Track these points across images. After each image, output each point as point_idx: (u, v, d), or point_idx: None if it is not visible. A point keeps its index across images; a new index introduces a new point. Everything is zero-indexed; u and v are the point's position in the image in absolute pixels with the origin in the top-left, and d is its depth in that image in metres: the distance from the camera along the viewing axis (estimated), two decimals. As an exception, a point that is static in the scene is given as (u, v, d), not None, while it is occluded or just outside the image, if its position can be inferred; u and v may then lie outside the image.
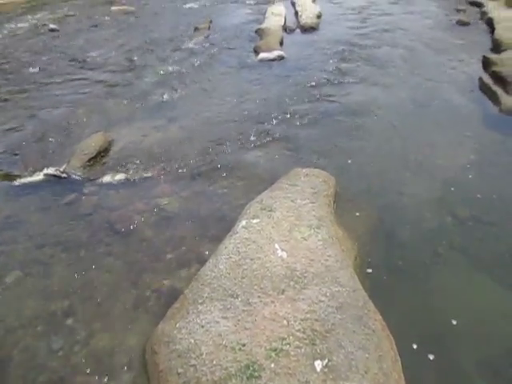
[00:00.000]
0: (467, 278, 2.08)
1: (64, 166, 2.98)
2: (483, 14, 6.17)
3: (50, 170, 2.95)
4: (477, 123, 3.39)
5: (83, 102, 4.08)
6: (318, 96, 3.89)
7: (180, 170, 2.95)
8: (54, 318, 1.98)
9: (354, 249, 2.17)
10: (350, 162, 2.95)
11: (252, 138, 3.25)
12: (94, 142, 3.20)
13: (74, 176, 2.92)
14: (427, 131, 3.31)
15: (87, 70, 4.90)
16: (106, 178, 2.89)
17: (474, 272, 2.11)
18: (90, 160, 3.06)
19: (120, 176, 2.91)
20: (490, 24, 5.56)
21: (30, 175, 2.96)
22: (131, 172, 2.95)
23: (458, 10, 6.61)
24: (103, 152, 3.18)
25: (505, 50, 4.47)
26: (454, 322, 1.84)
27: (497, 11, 5.98)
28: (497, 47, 4.72)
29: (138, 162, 3.05)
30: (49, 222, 2.59)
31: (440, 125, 3.38)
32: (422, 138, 3.21)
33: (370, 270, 2.10)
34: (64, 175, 2.92)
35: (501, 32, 4.99)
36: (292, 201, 2.24)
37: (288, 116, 3.56)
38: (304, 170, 2.56)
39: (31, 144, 3.38)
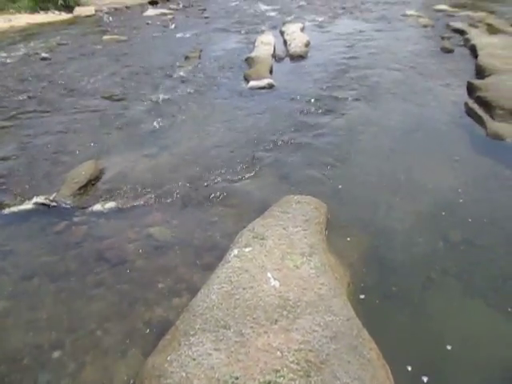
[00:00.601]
0: (461, 303, 2.07)
1: (54, 195, 2.96)
2: (466, 40, 6.35)
3: (40, 199, 2.92)
4: (465, 147, 3.45)
5: (74, 129, 4.08)
6: (307, 123, 3.94)
7: (171, 199, 2.93)
8: (40, 350, 1.92)
9: (346, 276, 2.16)
10: (340, 188, 2.97)
11: (243, 166, 3.27)
12: (84, 171, 3.18)
13: (63, 205, 2.90)
14: (416, 156, 3.35)
15: (78, 98, 4.92)
16: (97, 207, 2.87)
17: (468, 296, 2.11)
18: (80, 188, 3.03)
19: (110, 204, 2.89)
20: (473, 50, 5.73)
21: (19, 204, 2.92)
22: (122, 200, 2.93)
23: (442, 38, 6.80)
24: (94, 180, 3.16)
25: (488, 75, 4.59)
26: (449, 347, 1.83)
27: (479, 38, 6.17)
28: (480, 73, 4.85)
29: (128, 190, 3.04)
30: (37, 251, 2.54)
31: (429, 149, 3.43)
32: (411, 163, 3.25)
33: (363, 297, 2.09)
34: (54, 204, 2.90)
35: (484, 58, 5.13)
36: (284, 228, 2.24)
37: (278, 143, 3.59)
38: (295, 198, 2.56)
39: (21, 172, 3.35)
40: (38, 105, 4.76)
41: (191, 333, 1.68)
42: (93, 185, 3.13)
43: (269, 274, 1.91)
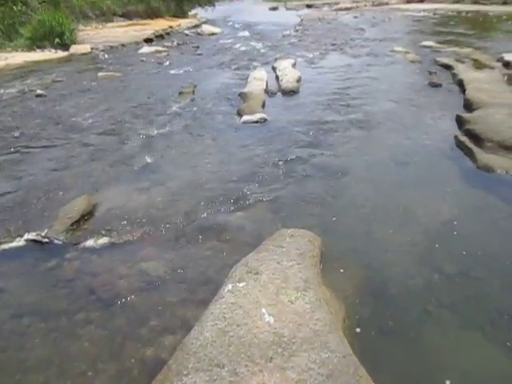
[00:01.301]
0: (459, 337, 2.05)
1: (46, 231, 2.93)
2: (453, 75, 6.54)
3: (31, 235, 2.89)
4: (456, 180, 3.49)
5: (67, 165, 4.09)
6: (300, 156, 3.98)
7: (165, 233, 2.92)
8: (29, 394, 1.87)
9: (342, 310, 2.13)
10: (334, 220, 2.97)
11: (236, 200, 3.27)
12: (77, 206, 3.17)
13: (56, 241, 2.87)
14: (409, 188, 3.38)
15: (72, 134, 4.95)
16: (89, 243, 2.84)
17: (465, 330, 2.08)
18: (73, 224, 3.01)
19: (103, 240, 2.86)
20: (461, 85, 5.89)
21: (11, 241, 2.89)
22: (115, 235, 2.91)
23: (430, 72, 7.00)
24: (87, 215, 3.14)
25: (476, 109, 4.70)
26: (448, 383, 1.80)
27: (466, 73, 6.37)
28: (468, 106, 4.97)
29: (122, 225, 3.02)
30: (28, 289, 2.50)
31: (421, 182, 3.47)
32: (404, 196, 3.27)
33: (359, 332, 2.06)
34: (46, 240, 2.87)
35: (471, 92, 5.28)
36: (278, 263, 2.22)
37: (271, 176, 3.61)
38: (289, 231, 2.56)
39: (13, 209, 3.33)
40: (32, 141, 4.79)
41: (184, 372, 1.64)
42: (86, 220, 3.11)
43: (263, 310, 1.88)
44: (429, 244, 2.69)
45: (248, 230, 2.90)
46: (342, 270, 2.46)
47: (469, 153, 3.84)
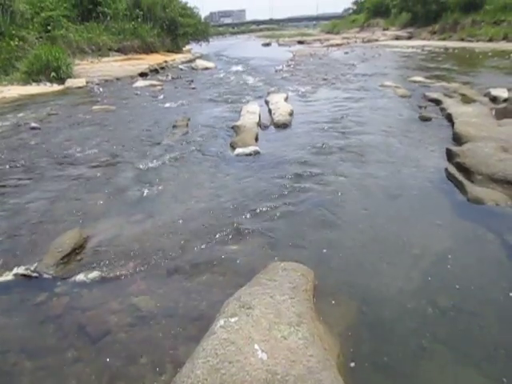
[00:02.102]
0: (455, 373, 2.01)
1: (35, 265, 2.89)
2: (442, 109, 6.70)
3: (21, 270, 2.85)
4: (447, 212, 3.51)
5: (60, 198, 4.08)
6: (292, 189, 4.00)
7: (156, 267, 2.89)
8: None
9: (336, 346, 2.10)
10: (327, 254, 2.96)
11: (229, 232, 3.26)
12: (68, 239, 3.13)
13: (45, 275, 2.82)
14: (401, 221, 3.39)
15: (65, 167, 4.97)
16: (80, 277, 2.80)
17: (461, 366, 2.05)
18: (63, 258, 2.97)
19: (94, 274, 2.82)
20: (450, 119, 6.02)
21: (-1, 275, 2.85)
22: (106, 269, 2.87)
23: (420, 107, 7.17)
24: (78, 249, 3.11)
25: (465, 142, 4.78)
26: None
27: (454, 107, 6.52)
28: (458, 140, 5.06)
29: (113, 258, 2.99)
30: (15, 325, 2.44)
31: (413, 214, 3.48)
32: (396, 229, 3.28)
33: (354, 369, 2.02)
34: (35, 274, 2.82)
35: (460, 126, 5.38)
36: (271, 297, 2.19)
37: (264, 209, 3.61)
38: (282, 264, 2.54)
39: (3, 242, 3.30)
40: (25, 173, 4.79)
41: (174, 413, 1.59)
42: (77, 254, 3.07)
43: (256, 346, 1.85)
44: (422, 277, 2.68)
45: (240, 264, 2.88)
46: (335, 304, 2.44)
47: (459, 186, 3.89)
